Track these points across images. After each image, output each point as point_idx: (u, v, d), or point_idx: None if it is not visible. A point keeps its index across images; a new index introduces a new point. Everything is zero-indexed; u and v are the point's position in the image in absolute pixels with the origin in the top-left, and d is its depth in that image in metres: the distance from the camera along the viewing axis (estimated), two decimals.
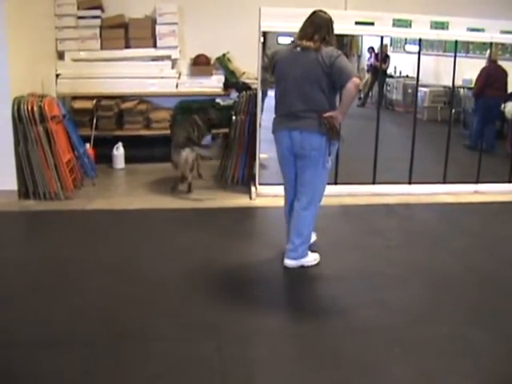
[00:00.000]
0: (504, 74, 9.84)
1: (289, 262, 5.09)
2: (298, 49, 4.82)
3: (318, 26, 4.78)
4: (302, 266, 5.11)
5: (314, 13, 4.86)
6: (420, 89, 14.01)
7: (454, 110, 12.16)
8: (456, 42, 7.74)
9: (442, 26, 7.38)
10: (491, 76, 10.18)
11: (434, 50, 14.28)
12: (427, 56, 13.90)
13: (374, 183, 7.44)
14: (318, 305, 4.61)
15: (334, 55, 4.65)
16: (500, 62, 10.42)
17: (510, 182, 7.95)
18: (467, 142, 10.42)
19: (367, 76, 16.80)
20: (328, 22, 4.83)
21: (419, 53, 7.71)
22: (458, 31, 7.48)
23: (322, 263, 5.20)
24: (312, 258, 5.18)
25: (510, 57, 11.40)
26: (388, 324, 4.25)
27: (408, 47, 15.90)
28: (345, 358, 3.80)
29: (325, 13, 4.87)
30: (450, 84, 8.12)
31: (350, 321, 4.29)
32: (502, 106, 11.46)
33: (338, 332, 4.11)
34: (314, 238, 5.49)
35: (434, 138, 9.40)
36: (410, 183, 7.58)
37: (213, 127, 7.94)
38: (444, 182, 7.68)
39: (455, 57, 7.70)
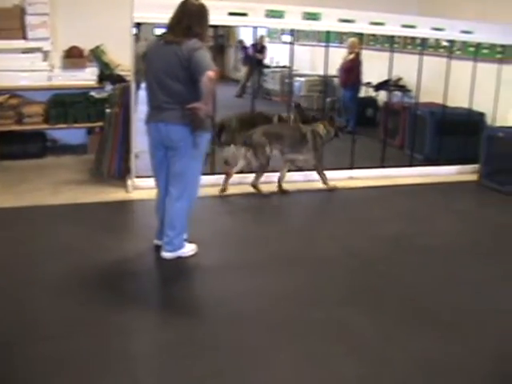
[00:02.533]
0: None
1: (165, 254, 5.09)
2: (162, 42, 4.82)
3: (183, 15, 4.73)
4: (180, 257, 5.11)
5: (185, 1, 4.78)
6: (297, 78, 14.34)
7: (329, 99, 12.57)
8: (328, 32, 7.92)
9: (314, 16, 7.53)
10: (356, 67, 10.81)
11: (309, 41, 14.55)
12: (303, 46, 14.20)
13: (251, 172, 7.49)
14: (198, 295, 4.64)
15: (194, 48, 4.62)
16: (372, 52, 10.89)
17: (382, 167, 8.25)
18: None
19: (243, 67, 16.90)
20: (197, 11, 4.76)
21: (292, 43, 7.86)
22: (329, 22, 7.65)
23: (200, 254, 5.22)
24: (189, 249, 5.19)
25: (381, 47, 11.77)
26: (269, 311, 4.34)
27: (284, 38, 16.14)
28: (228, 346, 3.84)
29: (196, 0, 4.80)
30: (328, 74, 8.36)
31: (230, 310, 4.34)
32: (375, 94, 11.95)
33: (219, 321, 4.16)
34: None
35: None
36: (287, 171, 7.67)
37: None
38: None
39: (327, 47, 7.89)
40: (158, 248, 5.22)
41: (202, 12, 4.81)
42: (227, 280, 4.87)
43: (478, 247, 5.91)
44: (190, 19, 4.72)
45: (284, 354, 3.78)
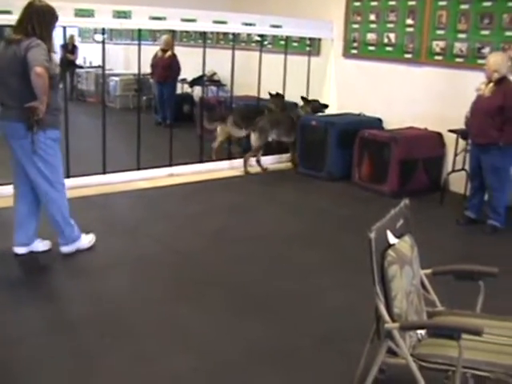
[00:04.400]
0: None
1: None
2: (4, 43, 4.85)
3: (25, 16, 4.74)
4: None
5: (30, 2, 4.77)
6: (112, 78, 14.16)
7: (145, 97, 12.52)
8: (139, 30, 7.85)
9: (124, 14, 7.42)
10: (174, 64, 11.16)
11: (123, 39, 14.39)
12: (117, 45, 14.02)
13: (68, 177, 7.23)
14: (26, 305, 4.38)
15: (30, 46, 4.61)
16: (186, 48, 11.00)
17: (201, 162, 8.33)
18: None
19: None
20: (39, 11, 4.74)
21: (103, 42, 7.71)
22: (140, 20, 7.60)
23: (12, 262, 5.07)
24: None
25: (194, 43, 11.85)
26: (97, 316, 4.25)
27: (97, 37, 15.83)
28: (57, 355, 3.72)
29: (40, 1, 4.79)
30: (142, 72, 8.29)
31: (54, 317, 4.22)
32: (190, 90, 12.10)
33: (46, 331, 4.02)
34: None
35: (127, 126, 9.53)
36: (104, 173, 7.56)
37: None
38: (139, 169, 7.82)
39: (139, 45, 7.89)
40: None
41: (45, 12, 4.80)
42: (49, 288, 4.77)
43: (301, 234, 6.14)
44: (31, 19, 4.73)
45: (116, 358, 3.72)
